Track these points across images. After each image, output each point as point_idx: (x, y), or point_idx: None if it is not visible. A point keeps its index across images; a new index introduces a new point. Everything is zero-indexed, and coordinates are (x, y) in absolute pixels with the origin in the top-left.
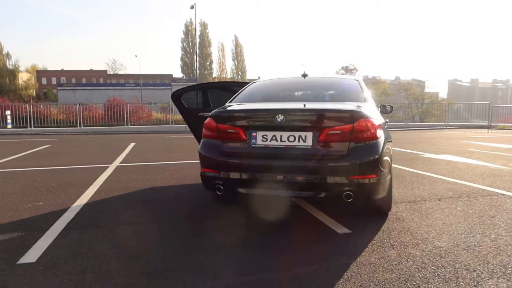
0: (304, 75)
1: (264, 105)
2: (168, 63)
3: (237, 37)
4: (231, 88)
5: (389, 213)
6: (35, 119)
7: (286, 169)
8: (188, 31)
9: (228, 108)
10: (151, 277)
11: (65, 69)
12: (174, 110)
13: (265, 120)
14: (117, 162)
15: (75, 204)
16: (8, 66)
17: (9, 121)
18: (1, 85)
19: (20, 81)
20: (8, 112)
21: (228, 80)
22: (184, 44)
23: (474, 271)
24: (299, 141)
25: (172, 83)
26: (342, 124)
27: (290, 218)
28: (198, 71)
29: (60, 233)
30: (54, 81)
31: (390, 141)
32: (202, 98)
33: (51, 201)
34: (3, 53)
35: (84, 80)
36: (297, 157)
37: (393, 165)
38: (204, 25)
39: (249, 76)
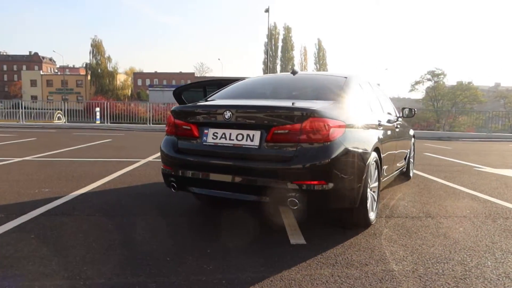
0: (294, 72)
1: (219, 101)
2: (251, 66)
3: (320, 41)
4: (228, 84)
5: (371, 227)
6: (124, 116)
7: (232, 170)
8: (272, 35)
9: (188, 104)
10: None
11: (158, 71)
12: None
13: (215, 117)
14: (151, 158)
15: (74, 193)
16: (108, 68)
17: (97, 117)
18: (101, 85)
19: (118, 82)
20: (97, 109)
21: None
22: (267, 48)
23: None
24: (246, 140)
25: None
26: (290, 123)
27: (254, 220)
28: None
29: (32, 218)
30: (148, 82)
31: (382, 143)
32: (202, 95)
33: (57, 188)
34: (105, 56)
35: (174, 82)
36: (243, 157)
37: (429, 177)
38: (287, 29)
39: None
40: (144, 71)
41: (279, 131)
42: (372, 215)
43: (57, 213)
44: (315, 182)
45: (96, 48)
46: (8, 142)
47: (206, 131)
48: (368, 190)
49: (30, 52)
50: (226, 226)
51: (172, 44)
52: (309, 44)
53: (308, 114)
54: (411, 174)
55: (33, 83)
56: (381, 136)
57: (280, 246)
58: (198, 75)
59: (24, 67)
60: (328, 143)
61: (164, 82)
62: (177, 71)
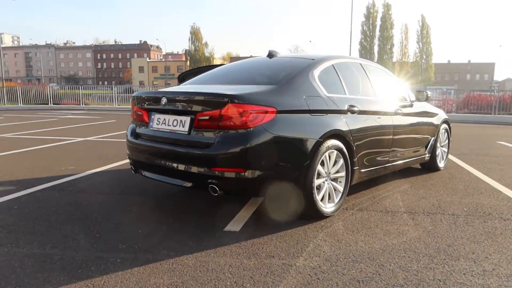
0: (270, 55)
1: (170, 88)
2: (346, 47)
3: (424, 17)
4: None
5: (328, 219)
6: None
7: (166, 155)
8: (370, 14)
9: (141, 91)
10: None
11: (254, 55)
12: None
13: (158, 104)
14: None
15: (89, 171)
16: (205, 54)
17: None
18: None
19: None
20: None
21: (410, 63)
22: (364, 27)
23: None
24: (179, 126)
25: None
26: (212, 109)
27: (211, 206)
28: (377, 55)
29: (33, 191)
30: None
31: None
32: None
33: (81, 167)
34: (203, 42)
35: None
36: (176, 142)
37: (469, 169)
38: (387, 6)
39: (435, 59)
40: (240, 55)
41: (202, 117)
42: (329, 206)
43: (55, 189)
44: (233, 170)
45: (195, 35)
46: (87, 124)
47: (152, 116)
48: (322, 180)
49: (140, 41)
50: (182, 210)
51: (266, 28)
52: (410, 21)
53: (227, 100)
54: (440, 165)
55: (141, 69)
56: (352, 122)
57: (213, 231)
58: None
59: (135, 55)
60: (249, 129)
61: None
62: None
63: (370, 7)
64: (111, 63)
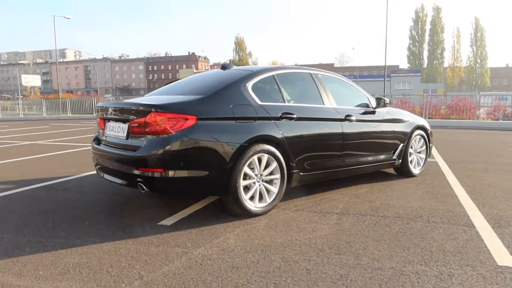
0: (224, 68)
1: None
2: (395, 54)
3: (478, 19)
4: None
5: (258, 217)
6: None
7: (112, 157)
8: (418, 18)
9: (100, 102)
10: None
11: (298, 63)
12: None
13: (109, 113)
14: None
15: (85, 174)
16: (249, 63)
17: None
18: None
19: None
20: None
21: (463, 68)
22: (413, 32)
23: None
24: (121, 132)
25: (392, 74)
26: (140, 117)
27: (158, 204)
28: (426, 60)
29: (25, 190)
30: None
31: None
32: None
33: (81, 170)
34: (246, 52)
35: None
36: (118, 146)
37: (450, 177)
38: (437, 10)
39: (491, 63)
40: (285, 63)
41: (134, 125)
42: (259, 206)
43: (45, 188)
44: (155, 170)
45: (239, 45)
46: None
47: (106, 124)
48: (252, 181)
49: (188, 52)
50: (135, 205)
51: (310, 36)
52: (463, 24)
53: (150, 109)
54: (414, 171)
55: None
56: (287, 128)
57: (146, 224)
58: (338, 66)
59: (184, 66)
60: (169, 134)
61: None
62: (317, 62)
63: (419, 11)
64: (162, 74)
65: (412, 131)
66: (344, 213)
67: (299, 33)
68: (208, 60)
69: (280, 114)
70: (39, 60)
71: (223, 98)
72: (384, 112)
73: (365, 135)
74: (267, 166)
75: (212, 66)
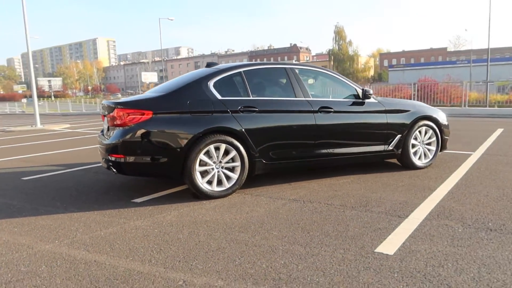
0: (208, 66)
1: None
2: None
3: None
4: None
5: (215, 200)
6: None
7: (100, 145)
8: None
9: (104, 100)
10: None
11: (406, 50)
12: None
13: (104, 109)
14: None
15: None
16: (349, 53)
17: None
18: (343, 69)
19: (359, 65)
20: None
21: None
22: None
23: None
24: (105, 125)
25: None
26: (110, 113)
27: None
28: None
29: (68, 171)
30: (394, 62)
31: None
32: None
33: None
34: (346, 41)
35: (422, 60)
36: (103, 137)
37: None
38: None
39: None
40: (391, 51)
41: (108, 119)
42: (217, 189)
43: (82, 170)
44: (117, 156)
45: (339, 34)
46: None
47: (104, 119)
48: (209, 167)
49: (290, 44)
50: (128, 186)
51: (422, 20)
52: None
53: (114, 106)
54: (418, 163)
55: None
56: (247, 120)
57: (122, 201)
58: (452, 50)
59: (285, 58)
60: (128, 126)
61: (412, 61)
62: (427, 47)
63: None
64: None
65: (415, 122)
66: (295, 200)
67: (408, 18)
68: (309, 50)
69: (239, 108)
70: (156, 58)
71: (181, 95)
72: (375, 103)
73: (347, 126)
74: (226, 154)
75: (313, 57)
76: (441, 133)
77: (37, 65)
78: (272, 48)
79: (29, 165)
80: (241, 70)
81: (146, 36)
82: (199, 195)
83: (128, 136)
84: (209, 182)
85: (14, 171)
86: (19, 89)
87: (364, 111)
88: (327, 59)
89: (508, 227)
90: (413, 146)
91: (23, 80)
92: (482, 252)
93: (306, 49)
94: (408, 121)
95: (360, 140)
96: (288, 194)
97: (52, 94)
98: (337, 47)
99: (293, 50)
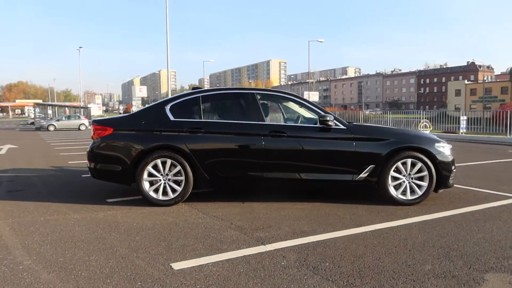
0: (193, 89)
1: None
2: None
3: None
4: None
5: (154, 207)
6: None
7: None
8: None
9: None
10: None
11: None
12: None
13: None
14: None
15: None
16: None
17: (463, 125)
18: None
19: None
20: (463, 117)
21: None
22: None
23: None
24: None
25: None
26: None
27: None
28: None
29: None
30: None
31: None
32: None
33: None
34: None
35: None
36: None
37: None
38: None
39: None
40: None
41: (92, 132)
42: (162, 198)
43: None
44: (89, 162)
45: None
46: None
47: None
48: (156, 178)
49: (467, 62)
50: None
51: None
52: None
53: (91, 122)
54: (401, 199)
55: (457, 92)
56: (192, 140)
57: (97, 200)
58: None
59: (460, 78)
60: (96, 139)
61: None
62: None
63: None
64: (434, 87)
65: (396, 152)
66: (215, 217)
67: None
68: (492, 69)
69: (186, 129)
70: (321, 78)
71: (140, 116)
72: (341, 129)
73: (301, 151)
74: (172, 169)
75: (497, 76)
76: (437, 168)
77: (217, 84)
78: (444, 67)
79: None
80: (200, 95)
81: (315, 57)
82: (147, 201)
83: (95, 147)
84: (156, 191)
85: None
86: None
87: (324, 138)
88: (508, 79)
89: None
90: (395, 179)
91: None
92: None
93: (488, 67)
94: (384, 151)
95: (319, 166)
96: (218, 213)
97: None
98: None
99: (471, 69)
